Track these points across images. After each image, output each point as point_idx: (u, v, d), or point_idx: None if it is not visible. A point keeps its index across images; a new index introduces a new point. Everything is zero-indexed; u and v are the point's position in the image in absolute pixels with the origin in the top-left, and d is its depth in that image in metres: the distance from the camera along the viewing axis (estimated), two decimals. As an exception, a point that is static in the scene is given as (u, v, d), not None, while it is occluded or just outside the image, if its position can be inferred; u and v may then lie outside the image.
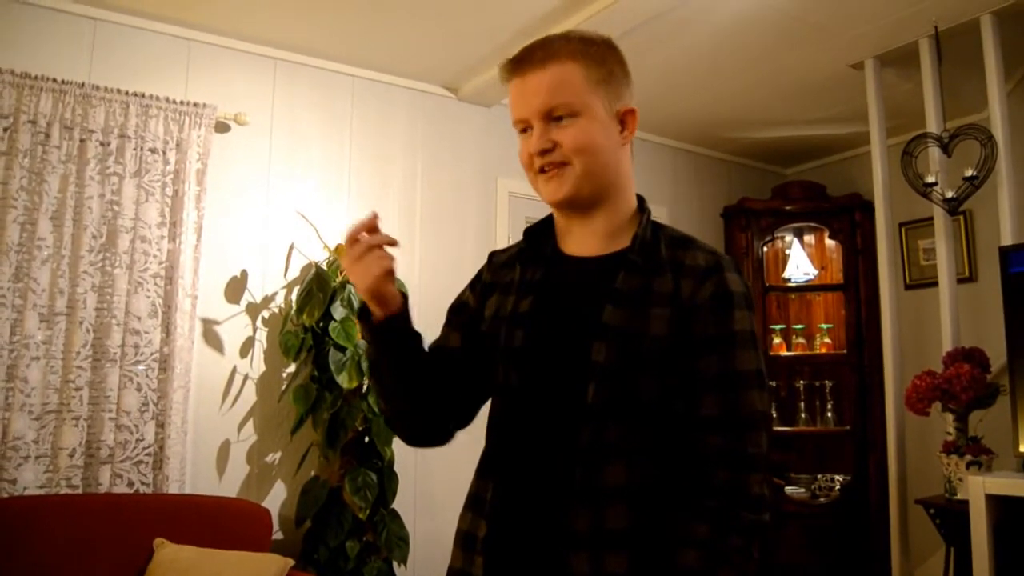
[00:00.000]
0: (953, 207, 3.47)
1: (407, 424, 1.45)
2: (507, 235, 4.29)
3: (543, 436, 1.28)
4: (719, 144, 5.15)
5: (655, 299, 1.27)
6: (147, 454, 3.16)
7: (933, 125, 3.56)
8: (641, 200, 1.41)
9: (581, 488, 1.22)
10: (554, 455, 1.26)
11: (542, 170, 1.33)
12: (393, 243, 1.30)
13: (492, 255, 1.52)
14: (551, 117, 1.30)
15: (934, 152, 3.53)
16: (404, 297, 1.35)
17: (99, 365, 3.13)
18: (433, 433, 1.46)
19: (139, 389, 3.17)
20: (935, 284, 3.66)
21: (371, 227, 1.30)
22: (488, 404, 1.43)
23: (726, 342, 1.26)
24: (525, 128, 1.34)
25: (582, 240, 1.38)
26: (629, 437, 1.23)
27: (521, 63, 1.33)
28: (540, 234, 1.44)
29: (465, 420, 1.47)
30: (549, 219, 1.44)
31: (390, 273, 1.29)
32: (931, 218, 3.68)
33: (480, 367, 1.40)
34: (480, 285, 1.49)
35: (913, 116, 3.81)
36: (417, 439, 1.47)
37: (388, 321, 1.32)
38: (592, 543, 1.20)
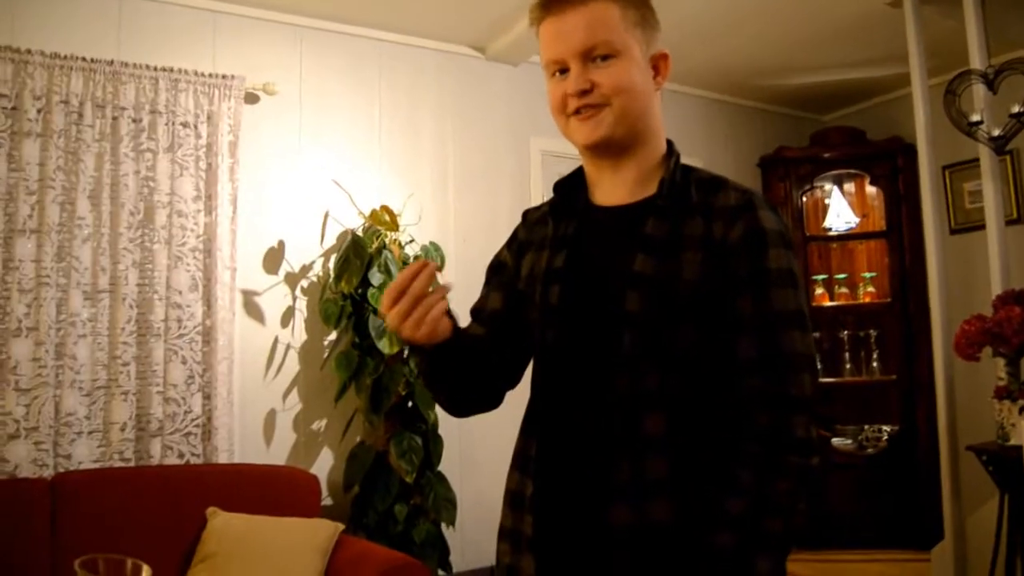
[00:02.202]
0: (1000, 146, 3.36)
1: (464, 408, 1.46)
2: (541, 194, 4.25)
3: (582, 390, 1.27)
4: (753, 93, 5.04)
5: (686, 243, 1.25)
6: (195, 426, 3.22)
7: (977, 61, 3.43)
8: (670, 144, 1.38)
9: (620, 438, 1.21)
10: (594, 408, 1.25)
11: (577, 111, 1.29)
12: (444, 291, 1.23)
13: (526, 213, 1.51)
14: (590, 57, 1.27)
15: (979, 89, 3.41)
16: (450, 315, 1.28)
17: (144, 340, 3.18)
18: (486, 404, 1.46)
19: (184, 362, 3.22)
20: (981, 227, 3.56)
21: (414, 277, 1.19)
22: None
23: (761, 281, 1.22)
24: (560, 70, 1.30)
25: (612, 188, 1.35)
26: (667, 385, 1.22)
27: (558, 2, 1.29)
28: (570, 187, 1.41)
29: (514, 380, 1.46)
30: (579, 172, 1.42)
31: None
32: (976, 159, 3.57)
33: (522, 326, 1.39)
34: (516, 244, 1.47)
35: (955, 54, 3.67)
36: (471, 413, 1.48)
37: (440, 348, 1.28)
38: (633, 493, 1.19)
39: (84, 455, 3.01)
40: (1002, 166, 3.71)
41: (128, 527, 2.77)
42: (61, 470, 2.93)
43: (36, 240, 3.00)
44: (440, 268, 1.15)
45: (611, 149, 1.31)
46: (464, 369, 1.36)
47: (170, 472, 3.04)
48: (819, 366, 4.70)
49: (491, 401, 1.46)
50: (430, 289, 1.21)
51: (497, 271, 1.49)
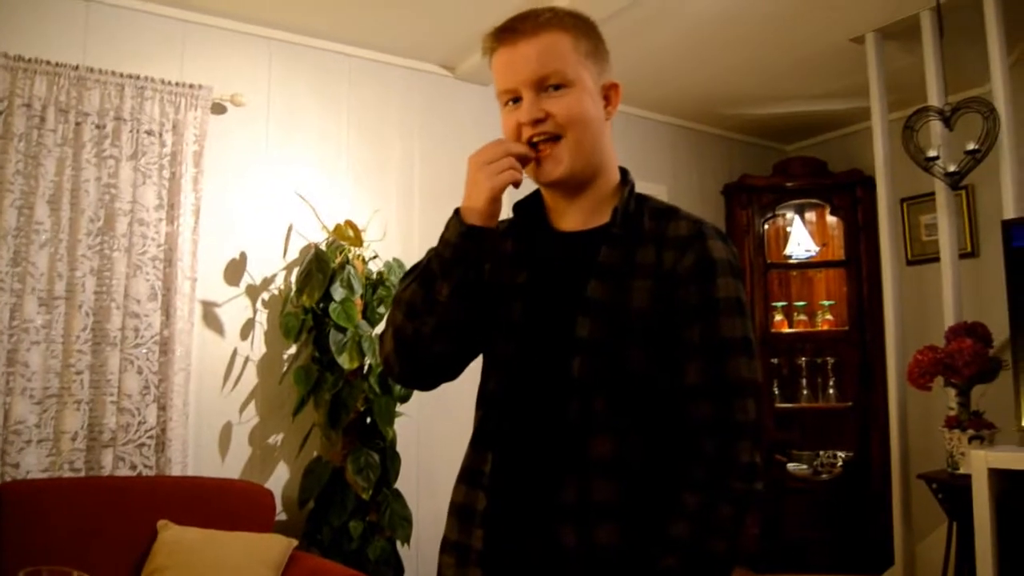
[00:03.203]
0: (955, 181, 3.45)
1: (417, 352, 1.35)
2: (506, 213, 4.26)
3: (537, 409, 1.29)
4: (719, 121, 5.11)
5: (638, 271, 1.27)
6: (149, 437, 3.16)
7: (935, 99, 3.53)
8: (624, 172, 1.40)
9: (569, 461, 1.23)
10: (545, 429, 1.27)
11: (532, 144, 1.30)
12: (530, 156, 1.30)
13: None
14: (542, 86, 1.29)
15: (936, 126, 3.50)
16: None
17: (99, 349, 3.12)
18: (429, 375, 1.41)
19: (140, 372, 3.17)
20: (937, 260, 3.64)
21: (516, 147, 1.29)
22: (473, 373, 1.42)
23: (709, 310, 1.25)
24: (512, 99, 1.32)
25: (568, 216, 1.38)
26: (616, 410, 1.24)
27: (510, 32, 1.31)
28: (530, 208, 1.43)
29: (455, 372, 1.42)
30: (537, 194, 1.44)
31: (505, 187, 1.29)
32: (933, 193, 3.66)
33: (476, 322, 1.35)
34: None
35: (915, 90, 3.77)
36: (413, 374, 1.41)
37: (484, 230, 1.28)
38: (580, 515, 1.21)
39: (33, 464, 2.95)
40: (957, 201, 3.79)
41: (76, 539, 2.71)
42: (8, 479, 2.86)
43: (-8, 244, 2.95)
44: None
45: (571, 184, 1.34)
46: (470, 290, 1.30)
47: (121, 483, 2.98)
48: (775, 391, 4.78)
49: (431, 381, 1.42)
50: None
51: None
